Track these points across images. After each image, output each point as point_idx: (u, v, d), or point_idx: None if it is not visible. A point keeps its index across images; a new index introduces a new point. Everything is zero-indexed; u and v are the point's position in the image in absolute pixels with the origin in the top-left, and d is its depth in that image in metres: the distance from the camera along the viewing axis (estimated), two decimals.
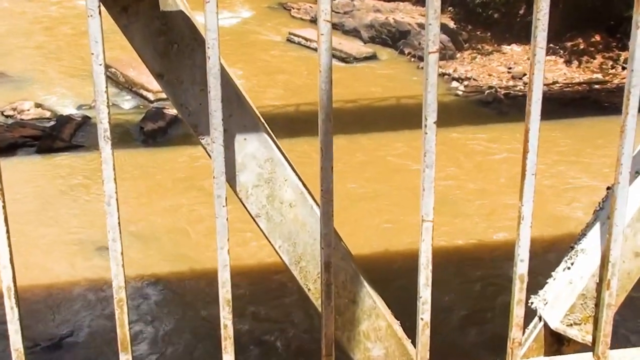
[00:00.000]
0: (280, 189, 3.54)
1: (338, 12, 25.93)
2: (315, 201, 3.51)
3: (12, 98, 18.57)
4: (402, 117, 17.41)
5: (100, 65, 2.50)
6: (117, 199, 2.44)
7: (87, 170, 15.27)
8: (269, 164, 3.55)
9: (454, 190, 14.47)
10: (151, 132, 17.01)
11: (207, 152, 3.33)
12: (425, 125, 2.52)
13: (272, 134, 3.57)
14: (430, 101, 2.59)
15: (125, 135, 16.90)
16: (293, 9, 27.57)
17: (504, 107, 19.08)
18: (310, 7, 26.94)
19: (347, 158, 15.33)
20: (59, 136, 16.74)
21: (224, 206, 2.46)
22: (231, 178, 3.52)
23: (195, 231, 13.11)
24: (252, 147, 3.56)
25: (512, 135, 16.22)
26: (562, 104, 18.59)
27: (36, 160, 16.00)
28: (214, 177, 2.45)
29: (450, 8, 25.65)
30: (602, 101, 19.11)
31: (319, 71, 2.47)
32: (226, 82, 3.35)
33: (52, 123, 17.43)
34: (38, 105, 18.34)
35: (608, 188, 3.21)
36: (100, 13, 2.41)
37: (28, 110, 17.99)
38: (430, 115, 2.56)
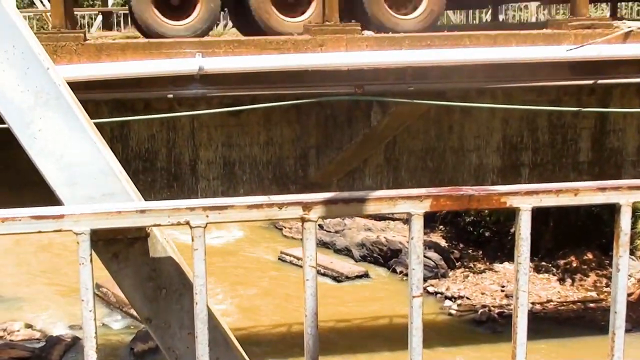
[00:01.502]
0: None
1: (329, 231, 26.68)
2: None
3: (1, 318, 18.98)
4: (396, 337, 17.72)
5: (90, 311, 2.86)
6: None
7: None
8: None
9: None
10: (141, 352, 17.33)
11: None
12: None
13: None
14: (415, 344, 2.85)
15: (114, 357, 17.25)
16: (285, 228, 28.28)
17: (498, 326, 19.17)
18: None
19: None
20: (48, 357, 17.01)
21: None
22: None
23: None
24: None
25: (507, 357, 16.51)
26: (557, 323, 18.72)
27: None
28: None
29: (441, 227, 26.40)
30: (597, 320, 19.12)
31: (304, 315, 2.91)
32: (214, 326, 3.49)
33: (42, 344, 17.77)
34: (28, 326, 18.66)
35: None
36: (91, 261, 2.85)
37: (18, 331, 18.29)
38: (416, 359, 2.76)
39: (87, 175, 3.60)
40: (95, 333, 2.81)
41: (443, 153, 11.52)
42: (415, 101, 10.17)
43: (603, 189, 3.12)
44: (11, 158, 9.59)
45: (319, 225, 27.45)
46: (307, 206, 2.83)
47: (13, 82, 3.57)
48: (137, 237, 3.53)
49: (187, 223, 2.80)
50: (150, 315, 3.76)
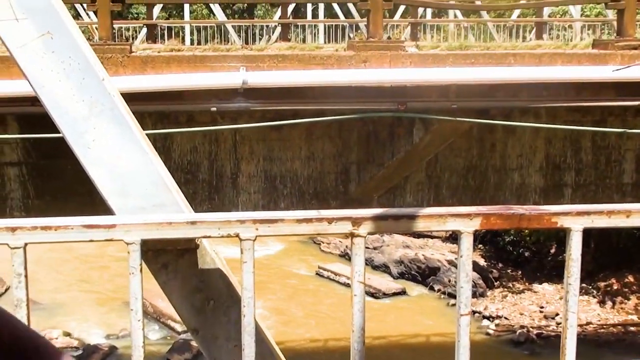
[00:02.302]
0: None
1: (368, 247, 26.59)
2: None
3: (41, 326, 19.10)
4: (435, 354, 17.65)
5: (139, 321, 2.88)
6: None
7: None
8: None
9: None
10: None
11: None
12: None
13: None
14: None
15: None
16: (323, 242, 28.38)
17: (536, 347, 19.07)
18: (340, 241, 27.74)
19: None
20: None
21: None
22: None
23: None
24: None
25: None
26: (596, 346, 18.53)
27: None
28: None
29: (480, 245, 26.29)
30: (638, 344, 19.12)
31: (351, 330, 2.89)
32: (261, 339, 3.46)
33: (79, 352, 17.95)
34: (67, 334, 18.85)
35: None
36: (141, 270, 2.86)
37: (56, 338, 18.45)
38: None
39: (138, 185, 3.63)
40: (143, 343, 2.84)
41: (485, 171, 11.46)
42: (458, 119, 10.14)
43: None
44: (56, 168, 9.72)
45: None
46: (356, 221, 2.84)
47: (69, 92, 3.62)
48: (187, 249, 3.55)
49: (237, 235, 2.82)
50: (198, 326, 3.77)
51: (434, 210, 2.99)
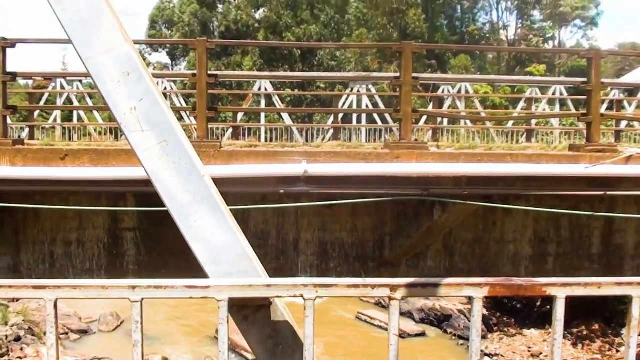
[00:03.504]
0: None
1: None
2: None
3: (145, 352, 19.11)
4: None
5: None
6: None
7: None
8: None
9: None
10: None
11: None
12: None
13: None
14: None
15: None
16: None
17: None
18: None
19: None
20: None
21: None
22: None
23: None
24: None
25: None
26: None
27: None
28: None
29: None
30: None
31: None
32: None
33: None
34: (165, 359, 18.85)
35: None
36: (228, 321, 2.88)
37: None
38: None
39: (227, 256, 3.64)
40: None
41: (488, 243, 11.34)
42: (468, 202, 10.09)
43: (620, 284, 3.08)
44: (161, 233, 9.79)
45: None
46: (393, 288, 2.83)
47: (177, 185, 3.68)
48: (263, 305, 3.55)
49: (302, 296, 2.81)
50: None
51: (452, 281, 2.96)
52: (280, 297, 3.18)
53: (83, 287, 2.96)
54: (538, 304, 24.24)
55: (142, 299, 2.92)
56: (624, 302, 3.14)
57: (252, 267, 3.74)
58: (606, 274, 14.72)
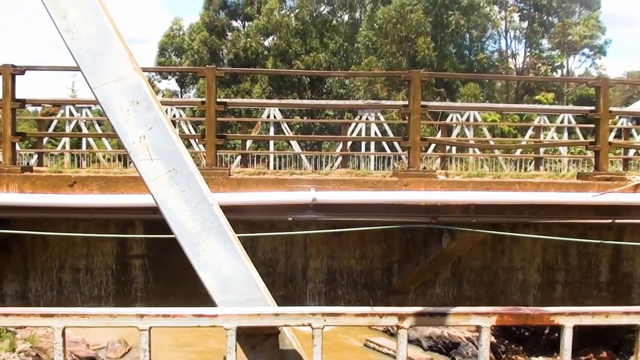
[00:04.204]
0: None
1: None
2: None
3: None
4: None
5: None
6: None
7: None
8: None
9: None
10: None
11: None
12: None
13: None
14: None
15: None
16: None
17: None
18: None
19: None
20: None
21: None
22: None
23: None
24: None
25: None
26: None
27: None
28: None
29: None
30: None
31: None
32: None
33: None
34: None
35: None
36: (236, 350, 2.87)
37: None
38: None
39: (236, 284, 3.64)
40: None
41: (496, 271, 11.31)
42: (476, 230, 10.07)
43: (627, 313, 3.07)
44: (169, 260, 9.80)
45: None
46: (401, 317, 2.82)
47: (186, 213, 3.70)
48: (271, 333, 3.54)
49: (310, 325, 2.81)
50: None
51: (460, 310, 2.96)
52: (288, 325, 3.18)
53: (91, 316, 2.97)
54: (546, 331, 24.05)
55: (150, 328, 2.93)
56: (632, 330, 3.12)
57: (261, 295, 3.74)
58: (614, 302, 14.63)
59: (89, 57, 3.76)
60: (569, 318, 2.99)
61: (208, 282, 3.69)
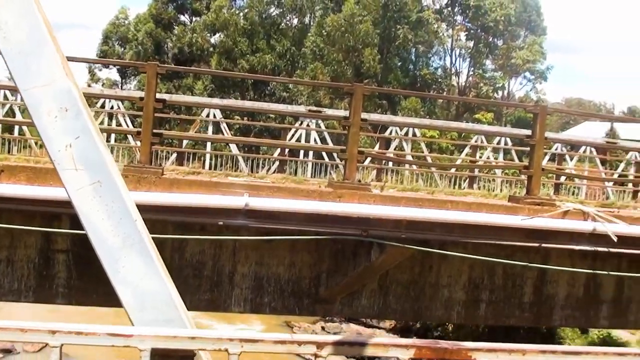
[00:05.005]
0: None
1: (329, 332, 26.41)
2: None
3: None
4: None
5: None
6: None
7: None
8: None
9: None
10: None
11: None
12: None
13: None
14: None
15: None
16: (295, 326, 28.06)
17: None
18: (308, 325, 27.47)
19: None
20: None
21: None
22: None
23: None
24: None
25: None
26: None
27: None
28: None
29: (414, 336, 26.00)
30: None
31: None
32: None
33: None
34: None
35: None
36: None
37: None
38: None
39: (154, 303, 3.57)
40: None
41: (423, 286, 11.43)
42: (406, 246, 10.16)
43: (544, 352, 3.10)
44: (94, 258, 9.59)
45: (321, 327, 27.13)
46: (320, 345, 2.80)
47: (108, 228, 3.61)
48: (186, 356, 3.46)
49: (226, 350, 2.76)
50: None
51: (379, 341, 2.95)
52: (204, 350, 3.12)
53: (1, 329, 2.85)
54: None
55: (62, 345, 2.83)
56: None
57: (178, 315, 3.67)
58: (536, 323, 14.96)
59: (20, 59, 3.63)
60: (488, 354, 3.01)
61: (125, 299, 3.60)
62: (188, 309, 10.76)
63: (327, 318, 27.09)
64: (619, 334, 24.36)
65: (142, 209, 8.56)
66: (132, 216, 3.70)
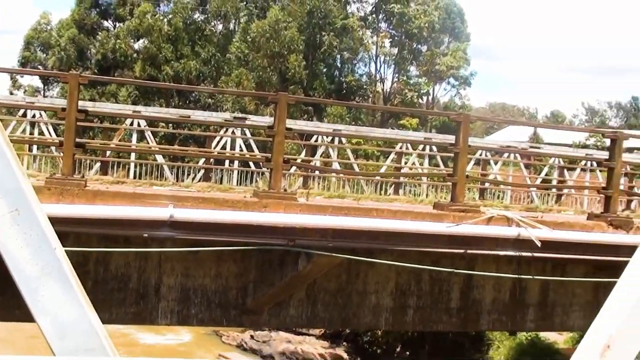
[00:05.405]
0: None
1: (258, 341, 26.34)
2: None
3: None
4: None
5: None
6: None
7: None
8: None
9: None
10: None
11: None
12: None
13: None
14: None
15: None
16: (224, 335, 27.84)
17: None
18: (237, 334, 27.30)
19: None
20: None
21: None
22: None
23: None
24: None
25: None
26: None
27: None
28: None
29: (344, 343, 26.16)
30: None
31: None
32: None
33: None
34: None
35: None
36: None
37: None
38: None
39: (74, 332, 3.48)
40: None
41: (350, 293, 11.49)
42: (333, 254, 10.20)
43: None
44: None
45: (250, 335, 27.01)
46: None
47: (26, 257, 3.51)
48: None
49: None
50: None
51: None
52: None
53: None
54: (398, 350, 24.67)
55: None
56: None
57: (100, 344, 3.59)
58: (463, 328, 15.20)
59: None
60: None
61: (45, 329, 3.51)
62: (114, 323, 10.55)
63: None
64: (547, 335, 24.94)
65: (66, 221, 8.45)
66: (51, 244, 3.61)
